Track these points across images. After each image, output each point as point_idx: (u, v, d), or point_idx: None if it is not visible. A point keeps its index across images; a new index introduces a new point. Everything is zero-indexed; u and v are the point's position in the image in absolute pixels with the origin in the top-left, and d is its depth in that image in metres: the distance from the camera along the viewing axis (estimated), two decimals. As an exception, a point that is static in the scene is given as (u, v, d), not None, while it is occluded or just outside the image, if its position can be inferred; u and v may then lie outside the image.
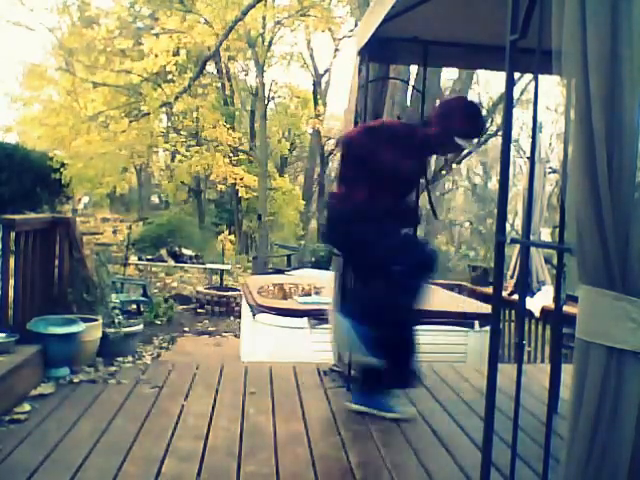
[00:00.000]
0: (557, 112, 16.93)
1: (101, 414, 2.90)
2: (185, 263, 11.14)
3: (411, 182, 3.09)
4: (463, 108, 2.92)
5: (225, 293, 9.90)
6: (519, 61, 1.67)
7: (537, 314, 5.37)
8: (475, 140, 2.96)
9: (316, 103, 17.46)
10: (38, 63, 13.91)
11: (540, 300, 5.29)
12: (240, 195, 15.94)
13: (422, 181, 3.29)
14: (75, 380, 3.39)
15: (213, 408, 3.06)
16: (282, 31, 15.13)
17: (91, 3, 13.12)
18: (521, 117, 16.01)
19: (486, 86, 20.12)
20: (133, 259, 11.06)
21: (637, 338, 1.22)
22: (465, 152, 3.16)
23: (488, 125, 15.66)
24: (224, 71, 17.19)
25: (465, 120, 2.84)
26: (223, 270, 11.06)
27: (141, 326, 4.49)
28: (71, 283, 4.10)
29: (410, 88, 11.63)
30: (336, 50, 18.44)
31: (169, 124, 16.31)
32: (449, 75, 15.80)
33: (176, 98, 11.04)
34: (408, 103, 12.38)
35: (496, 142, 15.88)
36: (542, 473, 1.70)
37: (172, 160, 17.67)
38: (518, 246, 4.47)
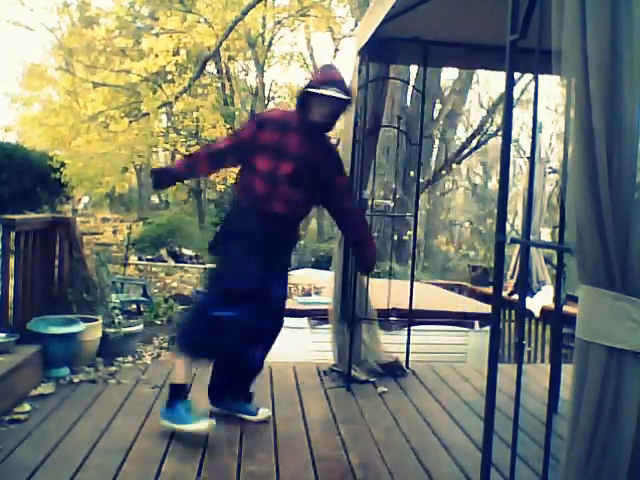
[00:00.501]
0: (557, 112, 16.92)
1: (101, 414, 2.90)
2: (185, 263, 11.13)
3: (295, 172, 2.83)
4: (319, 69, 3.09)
5: (225, 293, 9.88)
6: (519, 61, 1.67)
7: (537, 314, 5.37)
8: (333, 90, 2.78)
9: (316, 103, 17.42)
10: (38, 63, 13.93)
11: (540, 300, 5.29)
12: (240, 195, 15.89)
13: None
14: (75, 380, 3.39)
15: (213, 408, 3.06)
16: (282, 31, 15.14)
17: (91, 3, 13.12)
18: (521, 117, 16.01)
19: (486, 86, 20.11)
20: (133, 259, 11.06)
21: (637, 338, 1.22)
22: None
23: (488, 125, 15.67)
24: (224, 71, 17.18)
25: (318, 73, 3.02)
26: (223, 270, 11.04)
27: (141, 326, 4.48)
28: (71, 283, 4.10)
29: (410, 88, 11.66)
30: (336, 50, 18.43)
31: (169, 124, 16.31)
32: (449, 75, 15.82)
33: (176, 98, 11.04)
34: (408, 103, 12.40)
35: (496, 142, 15.87)
36: (542, 473, 1.70)
37: (172, 160, 17.66)
38: (518, 246, 4.47)
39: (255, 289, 2.73)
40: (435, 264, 17.88)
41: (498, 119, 15.09)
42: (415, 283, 4.14)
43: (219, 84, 17.16)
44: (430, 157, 14.45)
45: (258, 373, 3.06)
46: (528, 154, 8.20)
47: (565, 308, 2.77)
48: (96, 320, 3.82)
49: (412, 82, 11.02)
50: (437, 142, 15.26)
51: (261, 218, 2.79)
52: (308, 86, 2.86)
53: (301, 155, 2.83)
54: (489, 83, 19.60)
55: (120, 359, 3.88)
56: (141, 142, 11.35)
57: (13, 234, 3.45)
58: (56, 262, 4.05)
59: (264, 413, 2.97)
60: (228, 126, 15.31)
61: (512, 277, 5.76)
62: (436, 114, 14.22)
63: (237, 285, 2.71)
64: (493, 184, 21.88)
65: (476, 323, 4.87)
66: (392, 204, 7.51)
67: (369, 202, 4.06)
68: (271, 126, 2.86)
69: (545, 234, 6.27)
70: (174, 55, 11.08)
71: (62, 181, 10.60)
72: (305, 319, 4.58)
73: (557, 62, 1.32)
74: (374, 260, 3.24)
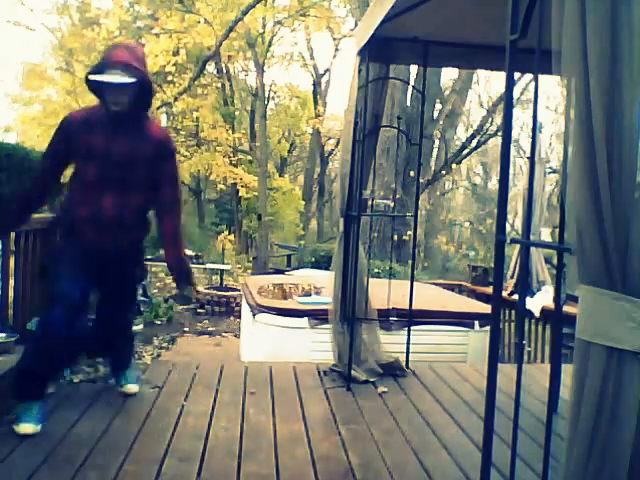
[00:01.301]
0: (557, 112, 16.93)
1: (101, 414, 2.90)
2: (185, 263, 11.10)
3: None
4: None
5: (225, 293, 9.90)
6: (519, 61, 1.67)
7: (537, 314, 5.37)
8: (110, 75, 2.55)
9: (316, 103, 17.47)
10: (38, 63, 13.93)
11: (540, 300, 5.28)
12: (240, 195, 15.95)
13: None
14: (75, 380, 3.38)
15: (213, 408, 3.06)
16: (282, 31, 15.15)
17: (91, 4, 13.12)
18: (521, 117, 16.02)
19: (486, 86, 20.14)
20: (133, 259, 11.04)
21: (637, 338, 1.21)
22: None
23: (488, 125, 15.67)
24: (224, 71, 17.19)
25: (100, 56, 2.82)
26: (223, 270, 11.06)
27: (141, 326, 4.49)
28: (71, 283, 4.09)
29: (410, 88, 11.66)
30: (336, 50, 18.46)
31: (169, 124, 16.32)
32: (449, 75, 15.82)
33: (176, 99, 11.05)
34: (408, 103, 12.40)
35: (496, 142, 15.87)
36: (542, 473, 1.70)
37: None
38: (518, 246, 4.47)
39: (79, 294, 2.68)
40: (435, 264, 17.88)
41: (498, 119, 15.10)
42: (415, 283, 4.14)
43: (219, 84, 17.18)
44: (430, 157, 14.44)
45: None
46: (528, 154, 8.19)
47: (565, 308, 2.77)
48: (96, 320, 3.81)
49: (412, 82, 11.03)
50: (437, 142, 15.26)
51: (81, 233, 2.76)
52: (88, 72, 2.68)
53: (109, 152, 2.68)
54: (489, 83, 19.65)
55: (120, 359, 3.87)
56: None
57: (13, 234, 3.45)
58: (56, 262, 4.04)
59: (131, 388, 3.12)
60: (227, 126, 15.33)
61: (512, 277, 5.76)
62: (436, 114, 14.22)
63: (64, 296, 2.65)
64: (493, 184, 21.89)
65: (476, 323, 4.86)
66: (392, 204, 7.52)
67: (369, 202, 4.06)
68: (75, 127, 2.73)
69: (545, 234, 6.27)
70: (174, 55, 11.09)
71: (61, 181, 10.60)
72: (305, 319, 4.58)
73: (557, 62, 1.32)
74: (183, 265, 2.97)
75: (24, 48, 19.01)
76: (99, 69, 2.63)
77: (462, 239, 22.55)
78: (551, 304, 4.75)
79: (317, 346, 4.30)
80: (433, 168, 14.54)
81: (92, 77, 2.60)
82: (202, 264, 11.25)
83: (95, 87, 2.67)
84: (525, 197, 4.95)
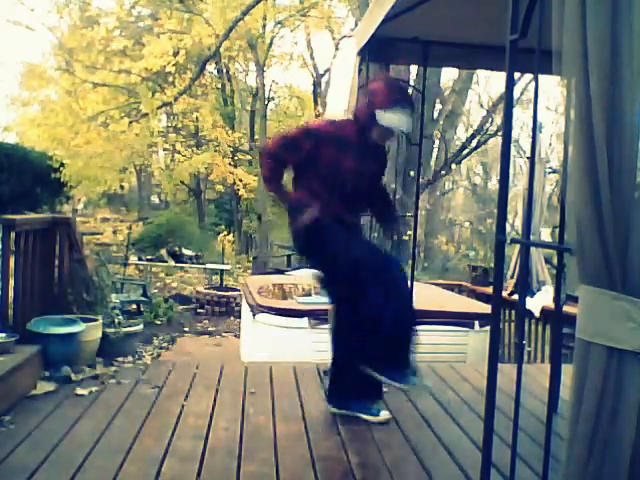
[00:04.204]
0: (557, 112, 16.92)
1: (101, 414, 2.90)
2: (185, 263, 11.14)
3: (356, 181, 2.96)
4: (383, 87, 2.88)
5: (225, 293, 9.90)
6: (519, 61, 1.67)
7: (537, 314, 5.37)
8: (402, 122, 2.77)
9: (316, 103, 17.46)
10: (38, 63, 13.93)
11: (540, 300, 5.28)
12: (240, 195, 15.95)
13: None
14: (75, 380, 3.38)
15: (213, 408, 3.06)
16: (282, 31, 15.14)
17: (91, 3, 13.11)
18: (521, 117, 16.01)
19: (486, 86, 20.12)
20: (133, 259, 11.06)
21: (637, 338, 1.22)
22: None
23: (488, 125, 15.66)
24: (224, 71, 17.18)
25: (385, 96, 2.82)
26: (223, 270, 11.06)
27: (141, 326, 4.48)
28: (71, 283, 4.09)
29: (410, 88, 11.65)
30: (336, 50, 18.43)
31: (169, 124, 16.31)
32: (449, 75, 15.79)
33: (176, 99, 11.04)
34: (408, 103, 12.37)
35: (496, 142, 15.86)
36: (542, 473, 1.70)
37: (172, 160, 17.66)
38: (518, 246, 4.47)
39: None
40: (435, 264, 17.87)
41: (498, 119, 15.08)
42: (415, 283, 4.14)
43: (219, 84, 17.18)
44: (430, 157, 14.42)
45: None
46: (528, 154, 8.19)
47: (565, 308, 2.77)
48: (96, 320, 3.82)
49: (412, 82, 11.01)
50: (437, 142, 15.24)
51: None
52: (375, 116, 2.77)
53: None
54: (489, 83, 19.62)
55: (120, 359, 3.87)
56: (141, 142, 11.35)
57: (13, 234, 3.45)
58: (56, 262, 4.04)
59: (385, 414, 2.97)
60: (228, 126, 15.33)
61: (512, 277, 5.75)
62: (436, 114, 14.20)
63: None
64: (493, 184, 21.87)
65: (476, 323, 4.86)
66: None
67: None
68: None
69: (545, 234, 6.27)
70: (174, 55, 11.08)
71: (61, 181, 10.59)
72: (305, 319, 4.58)
73: (557, 62, 1.32)
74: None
75: (24, 48, 19.00)
76: (395, 103, 2.75)
77: (462, 239, 22.54)
78: (551, 304, 4.75)
79: (317, 346, 4.30)
80: (433, 168, 14.52)
81: (385, 122, 2.78)
82: (202, 264, 11.26)
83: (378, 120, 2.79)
84: (525, 197, 4.95)
